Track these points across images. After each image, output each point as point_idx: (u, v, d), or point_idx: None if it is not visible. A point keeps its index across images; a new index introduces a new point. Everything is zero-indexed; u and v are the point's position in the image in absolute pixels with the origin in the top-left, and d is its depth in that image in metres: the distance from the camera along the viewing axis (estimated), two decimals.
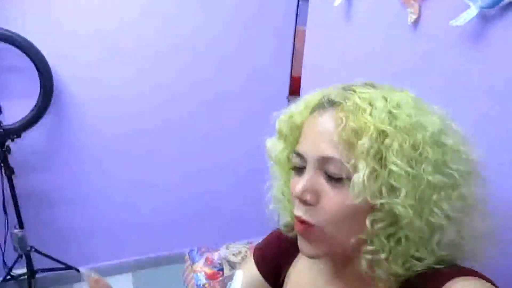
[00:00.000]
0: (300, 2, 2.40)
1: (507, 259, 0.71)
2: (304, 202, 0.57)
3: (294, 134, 0.66)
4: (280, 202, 0.75)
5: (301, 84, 1.55)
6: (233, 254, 1.73)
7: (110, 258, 2.50)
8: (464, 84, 0.83)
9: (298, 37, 2.47)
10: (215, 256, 1.79)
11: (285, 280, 0.78)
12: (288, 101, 2.56)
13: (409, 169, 0.51)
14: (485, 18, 0.78)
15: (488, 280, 0.52)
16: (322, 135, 0.57)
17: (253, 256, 0.83)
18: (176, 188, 2.51)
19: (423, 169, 0.52)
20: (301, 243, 0.61)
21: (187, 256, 2.00)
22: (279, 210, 0.76)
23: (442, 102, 0.60)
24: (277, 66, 2.52)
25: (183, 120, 2.38)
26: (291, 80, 2.59)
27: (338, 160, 0.54)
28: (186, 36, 2.22)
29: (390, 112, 0.54)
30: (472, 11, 0.78)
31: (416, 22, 0.94)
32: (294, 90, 2.57)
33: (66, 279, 2.34)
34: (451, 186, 0.54)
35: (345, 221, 0.55)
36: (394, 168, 0.51)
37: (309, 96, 0.66)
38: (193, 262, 1.87)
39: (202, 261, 1.82)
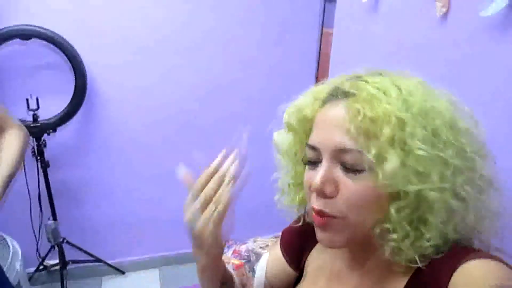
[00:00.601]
0: (326, 4, 2.39)
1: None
2: (323, 195, 0.56)
3: (304, 126, 0.66)
4: (286, 193, 0.76)
5: None
6: (260, 247, 1.75)
7: (137, 254, 2.56)
8: (492, 75, 0.83)
9: (324, 39, 2.45)
10: (243, 248, 1.82)
11: (306, 264, 0.79)
12: None
13: (437, 153, 0.51)
14: None
15: (502, 262, 0.51)
16: (336, 127, 0.56)
17: (280, 239, 0.86)
18: None
19: (447, 154, 0.52)
20: (321, 235, 0.60)
21: None
22: (285, 202, 0.77)
23: (471, 93, 0.61)
24: (303, 69, 2.51)
25: (209, 119, 2.42)
26: (316, 83, 2.57)
27: (356, 151, 0.54)
28: (211, 38, 2.26)
29: (405, 100, 0.54)
30: (502, 1, 0.78)
31: (445, 14, 0.94)
32: None
33: (96, 271, 2.41)
34: (472, 169, 0.55)
35: (366, 209, 0.55)
36: (422, 153, 0.51)
37: (316, 88, 0.66)
38: None
39: (229, 253, 1.85)
